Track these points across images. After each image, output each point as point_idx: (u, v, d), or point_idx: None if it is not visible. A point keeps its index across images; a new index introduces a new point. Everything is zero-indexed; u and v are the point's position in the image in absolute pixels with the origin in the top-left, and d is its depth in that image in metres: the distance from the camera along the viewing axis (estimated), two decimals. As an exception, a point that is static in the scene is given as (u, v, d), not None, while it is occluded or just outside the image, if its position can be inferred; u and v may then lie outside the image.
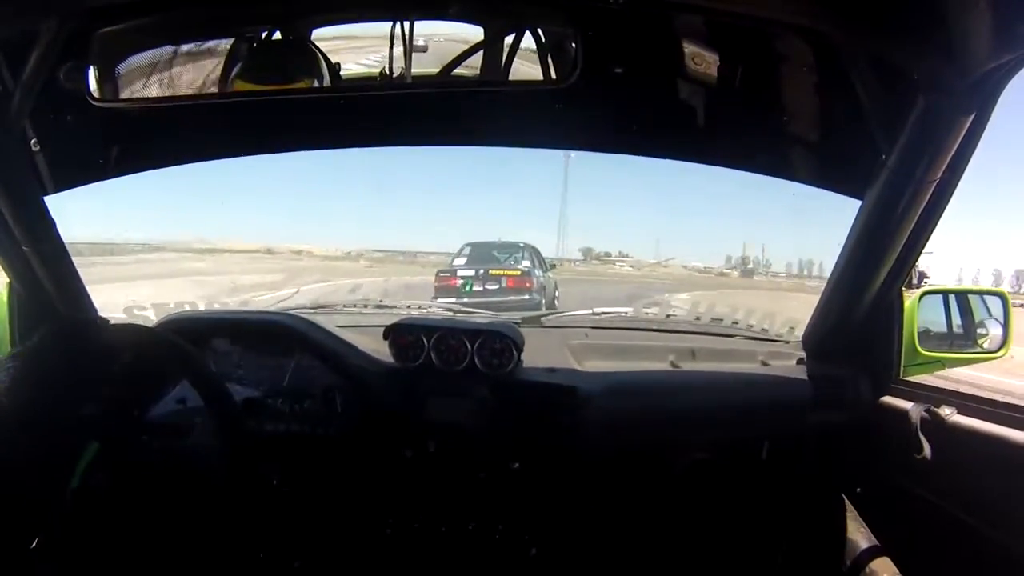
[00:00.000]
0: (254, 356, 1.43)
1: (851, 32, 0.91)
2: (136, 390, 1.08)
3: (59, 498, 0.94)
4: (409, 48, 1.05)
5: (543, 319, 1.76)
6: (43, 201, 1.17)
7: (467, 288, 7.31)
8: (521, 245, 8.43)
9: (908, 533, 1.23)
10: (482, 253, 8.13)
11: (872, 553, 1.29)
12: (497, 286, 7.34)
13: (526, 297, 7.11)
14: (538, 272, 7.92)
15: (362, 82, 1.19)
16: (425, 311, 1.81)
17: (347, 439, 1.38)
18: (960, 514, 1.09)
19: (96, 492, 0.99)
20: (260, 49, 1.10)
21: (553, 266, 9.56)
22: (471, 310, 1.89)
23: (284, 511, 1.40)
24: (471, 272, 7.53)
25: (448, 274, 7.71)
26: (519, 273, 7.59)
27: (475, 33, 1.11)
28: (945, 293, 1.42)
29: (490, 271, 7.51)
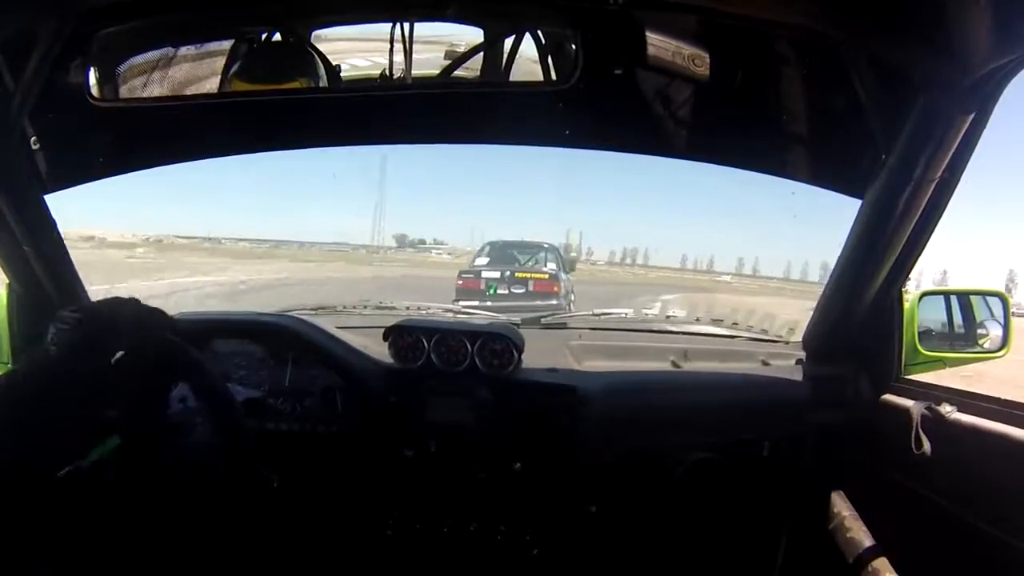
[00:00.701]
0: (255, 357, 1.43)
1: (851, 32, 0.91)
2: (136, 390, 1.08)
3: (61, 486, 0.94)
4: (409, 49, 1.05)
5: (543, 320, 1.76)
6: (43, 200, 1.17)
7: (491, 291, 6.79)
8: (545, 246, 7.84)
9: (909, 531, 1.23)
10: (503, 253, 7.63)
11: (873, 551, 1.29)
12: (523, 289, 6.79)
13: (554, 303, 6.45)
14: (563, 275, 7.34)
15: (362, 83, 1.19)
16: (425, 313, 1.82)
17: (348, 439, 1.38)
18: (961, 511, 1.08)
19: (96, 490, 0.99)
20: (260, 50, 1.10)
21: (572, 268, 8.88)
22: (471, 312, 1.88)
23: (285, 512, 1.40)
24: (496, 274, 6.97)
25: (471, 275, 7.16)
26: (547, 277, 7.03)
27: (475, 35, 1.11)
28: (946, 294, 1.42)
29: (516, 274, 6.96)
